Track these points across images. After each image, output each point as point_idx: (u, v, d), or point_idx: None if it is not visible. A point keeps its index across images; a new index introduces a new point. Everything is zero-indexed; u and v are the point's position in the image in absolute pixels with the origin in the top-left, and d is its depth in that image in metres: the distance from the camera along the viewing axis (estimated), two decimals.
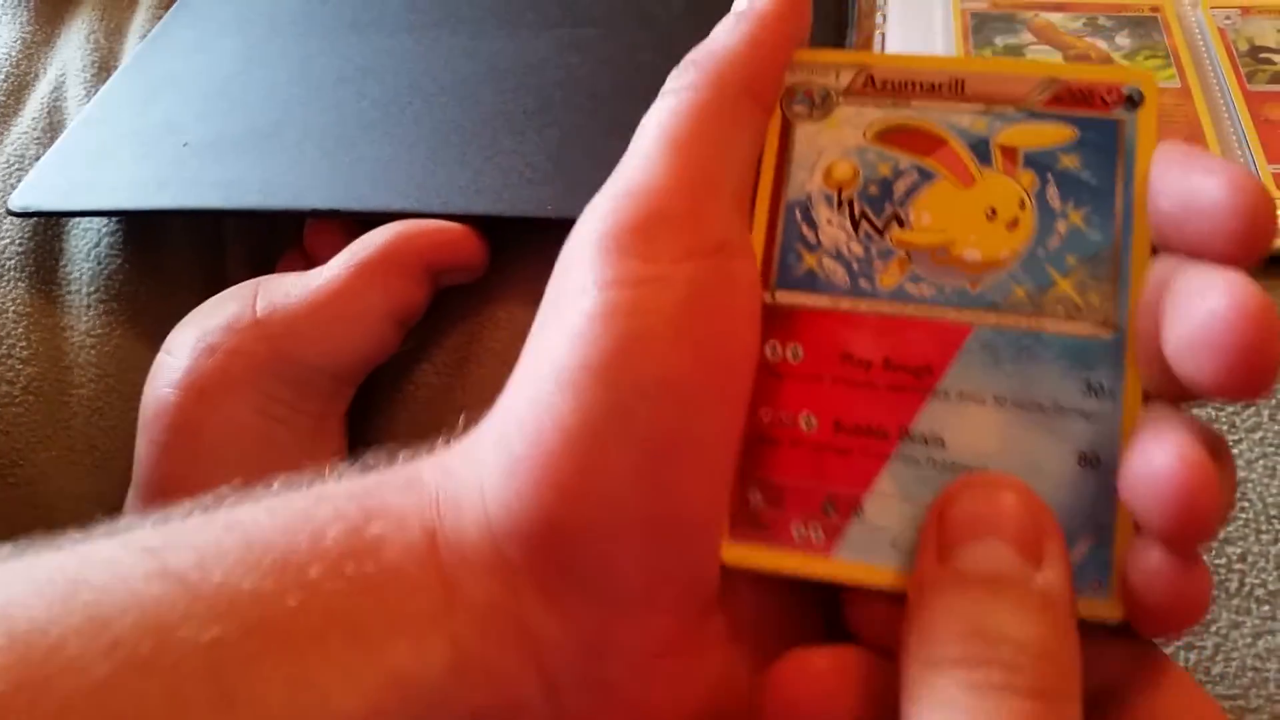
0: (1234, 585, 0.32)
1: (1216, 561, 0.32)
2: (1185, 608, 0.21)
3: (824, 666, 0.23)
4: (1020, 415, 0.23)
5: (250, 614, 0.20)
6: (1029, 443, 0.23)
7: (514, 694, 0.21)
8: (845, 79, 0.26)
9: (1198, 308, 0.20)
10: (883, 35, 0.48)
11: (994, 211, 0.24)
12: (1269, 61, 0.43)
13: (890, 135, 0.26)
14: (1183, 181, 0.22)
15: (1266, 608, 0.31)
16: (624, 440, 0.21)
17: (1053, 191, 0.24)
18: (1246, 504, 0.33)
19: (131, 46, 0.55)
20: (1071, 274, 0.24)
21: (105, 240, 0.48)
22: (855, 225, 0.25)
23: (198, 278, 0.47)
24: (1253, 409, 0.35)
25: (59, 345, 0.45)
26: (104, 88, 0.51)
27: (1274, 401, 0.35)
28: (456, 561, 0.22)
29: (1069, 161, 0.24)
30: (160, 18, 0.55)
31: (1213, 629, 0.31)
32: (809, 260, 0.25)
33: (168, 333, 0.41)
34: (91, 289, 0.47)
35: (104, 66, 0.54)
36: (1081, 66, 0.26)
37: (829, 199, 0.25)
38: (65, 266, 0.47)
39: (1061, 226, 0.24)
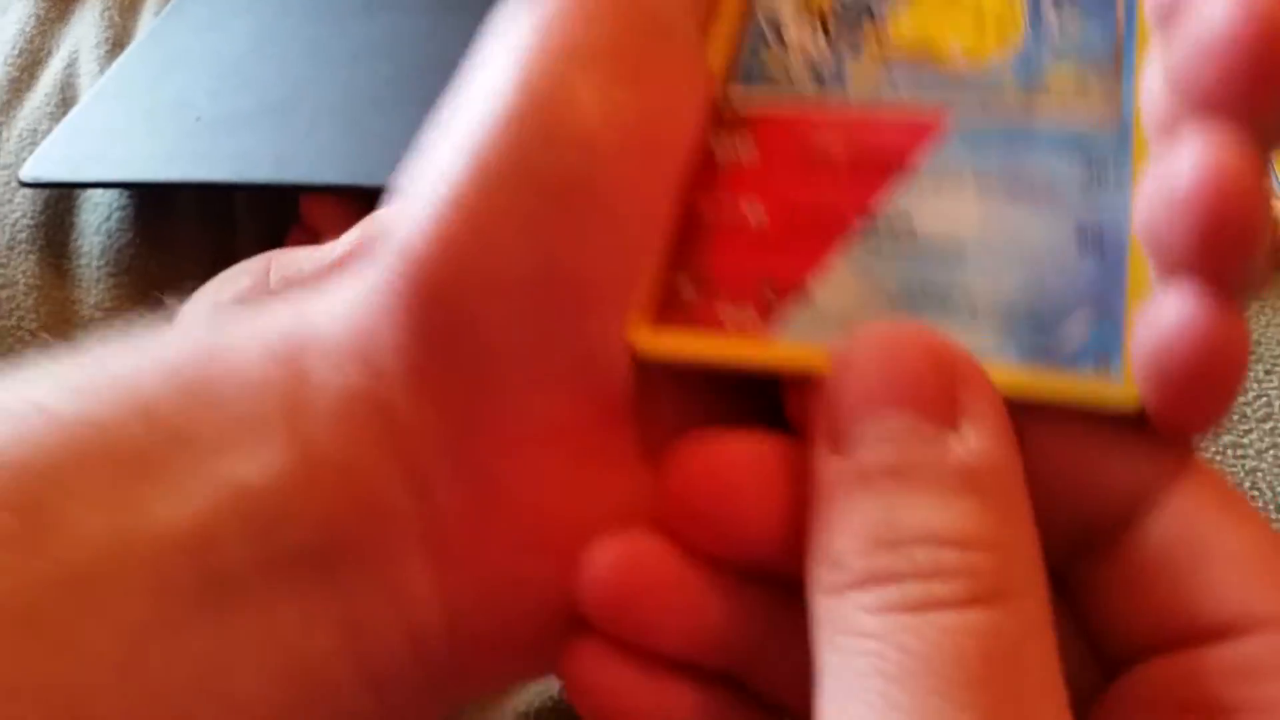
0: None
1: None
2: (1217, 372, 0.17)
3: (738, 455, 0.19)
4: (1007, 190, 0.20)
5: (77, 441, 0.17)
6: (1016, 217, 0.20)
7: (375, 493, 0.18)
8: None
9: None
10: None
11: (982, 15, 0.22)
12: None
13: None
14: None
15: None
16: (523, 188, 0.18)
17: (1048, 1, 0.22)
18: (1257, 493, 0.33)
19: (145, 24, 0.55)
20: (1069, 69, 0.21)
21: (116, 215, 0.48)
22: (826, 26, 0.23)
23: (208, 252, 0.47)
24: (1264, 399, 0.35)
25: (69, 318, 0.46)
26: (116, 63, 0.51)
27: None
28: (310, 346, 0.19)
29: None
30: None
31: None
32: (774, 60, 0.22)
33: (179, 305, 0.41)
34: (101, 262, 0.47)
35: (117, 43, 0.54)
36: None
37: (799, 22, 0.23)
38: (76, 240, 0.48)
39: (1056, 25, 0.22)
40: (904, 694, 0.15)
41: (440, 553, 0.18)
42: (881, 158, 0.21)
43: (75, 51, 0.54)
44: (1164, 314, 0.17)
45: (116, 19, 0.55)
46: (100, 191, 0.48)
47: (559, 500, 0.19)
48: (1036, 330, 0.18)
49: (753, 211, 0.21)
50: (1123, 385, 0.18)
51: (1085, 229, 0.19)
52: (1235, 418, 0.34)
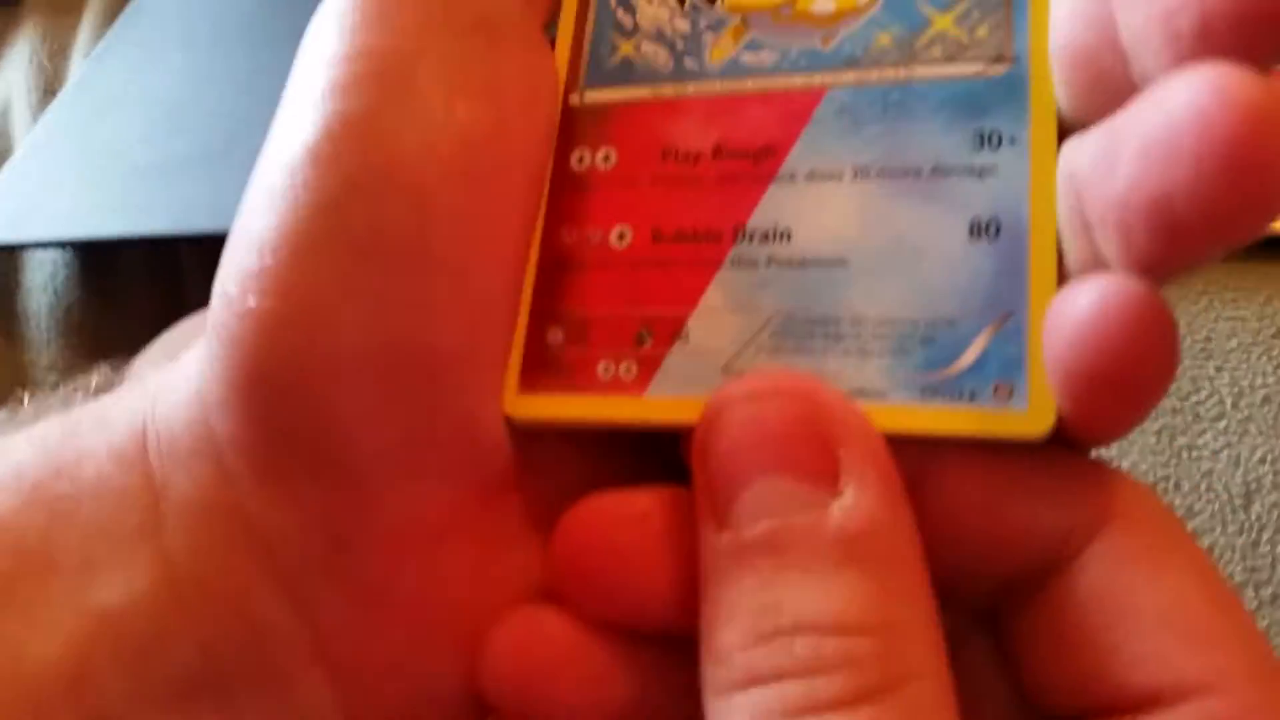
0: None
1: None
2: (1147, 363, 0.14)
3: (624, 515, 0.17)
4: (889, 185, 0.18)
5: None
6: (902, 218, 0.17)
7: (249, 612, 0.17)
8: None
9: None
10: None
11: None
12: None
13: None
14: None
15: None
16: (340, 245, 0.16)
17: None
18: (1212, 495, 0.33)
19: (76, 66, 0.54)
20: (950, 9, 0.18)
21: (62, 272, 0.47)
22: (682, 1, 0.20)
23: (156, 306, 0.46)
24: (1216, 397, 0.35)
25: (22, 381, 0.45)
26: (48, 111, 0.50)
27: (1237, 389, 0.35)
28: (167, 455, 0.17)
29: None
30: (104, 35, 0.54)
31: None
32: (625, 48, 0.20)
33: (128, 363, 0.40)
34: (50, 322, 0.46)
35: (49, 89, 0.53)
36: None
37: None
38: (24, 300, 0.47)
39: None
40: None
41: (334, 663, 0.17)
42: (751, 156, 0.19)
43: (7, 99, 0.54)
44: (1081, 302, 0.15)
45: (46, 64, 0.54)
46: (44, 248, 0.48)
47: (450, 590, 0.18)
48: (929, 355, 0.17)
49: (621, 239, 0.19)
50: (1027, 411, 0.16)
51: (979, 223, 0.17)
52: (1189, 419, 0.35)
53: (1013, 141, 0.17)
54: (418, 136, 0.17)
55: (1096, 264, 0.15)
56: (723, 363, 0.18)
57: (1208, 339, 0.36)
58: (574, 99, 0.20)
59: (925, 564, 0.15)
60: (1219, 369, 0.35)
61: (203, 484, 0.17)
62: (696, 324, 0.18)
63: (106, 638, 0.16)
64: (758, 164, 0.18)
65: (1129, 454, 0.34)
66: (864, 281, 0.17)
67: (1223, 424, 0.34)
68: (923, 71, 0.18)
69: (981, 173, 0.17)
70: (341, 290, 0.16)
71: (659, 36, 0.20)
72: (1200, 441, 0.34)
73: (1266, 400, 0.35)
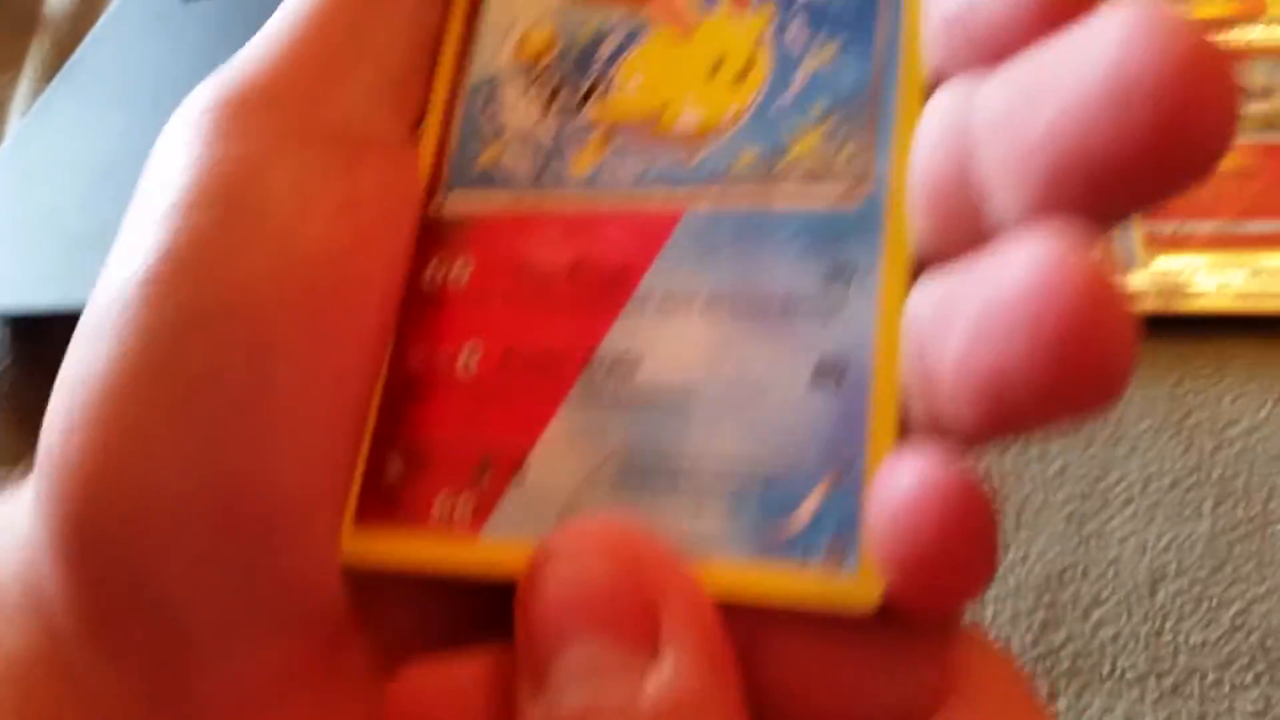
0: (1105, 669, 0.32)
1: (1089, 645, 0.33)
2: (967, 545, 0.14)
3: (451, 685, 0.16)
4: (740, 317, 0.17)
5: None
6: (750, 353, 0.17)
7: None
8: None
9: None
10: None
11: (719, 63, 0.19)
12: None
13: None
14: None
15: (1136, 691, 0.32)
16: (163, 385, 0.15)
17: (798, 24, 0.19)
18: (1119, 582, 0.34)
19: (14, 123, 0.54)
20: (816, 126, 0.18)
21: None
22: (549, 101, 0.20)
23: None
24: (1125, 482, 0.36)
25: None
26: None
27: (1146, 474, 0.36)
28: None
29: None
30: (41, 91, 0.54)
31: (1084, 715, 0.32)
32: (489, 153, 0.19)
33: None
34: None
35: None
36: None
37: (520, 74, 0.20)
38: None
39: (807, 66, 0.18)
40: None
41: None
42: (606, 278, 0.18)
43: None
44: (901, 481, 0.14)
45: None
46: None
47: None
48: (765, 508, 0.16)
49: (469, 361, 0.18)
50: (857, 578, 0.15)
51: (824, 366, 0.16)
52: (1097, 504, 0.35)
53: (864, 279, 0.17)
54: (263, 260, 0.16)
55: (936, 421, 0.15)
56: (561, 503, 0.17)
57: (1119, 421, 0.37)
58: (433, 208, 0.19)
59: None
60: (1129, 453, 0.36)
61: (30, 640, 0.16)
62: (537, 458, 0.17)
63: None
64: (612, 287, 0.18)
65: (1037, 540, 0.35)
66: (707, 421, 0.17)
67: (1130, 509, 0.35)
68: (782, 196, 0.18)
69: (830, 311, 0.17)
70: (168, 432, 0.15)
71: (524, 142, 0.19)
72: (1108, 528, 0.35)
73: (1174, 485, 0.35)
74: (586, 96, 0.19)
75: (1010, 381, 0.13)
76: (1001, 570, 0.34)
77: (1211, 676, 0.32)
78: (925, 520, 0.14)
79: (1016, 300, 0.13)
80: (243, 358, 0.16)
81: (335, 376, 0.17)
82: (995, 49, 0.15)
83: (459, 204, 0.19)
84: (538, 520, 0.17)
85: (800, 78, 0.18)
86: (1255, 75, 0.44)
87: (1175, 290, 0.39)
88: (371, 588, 0.17)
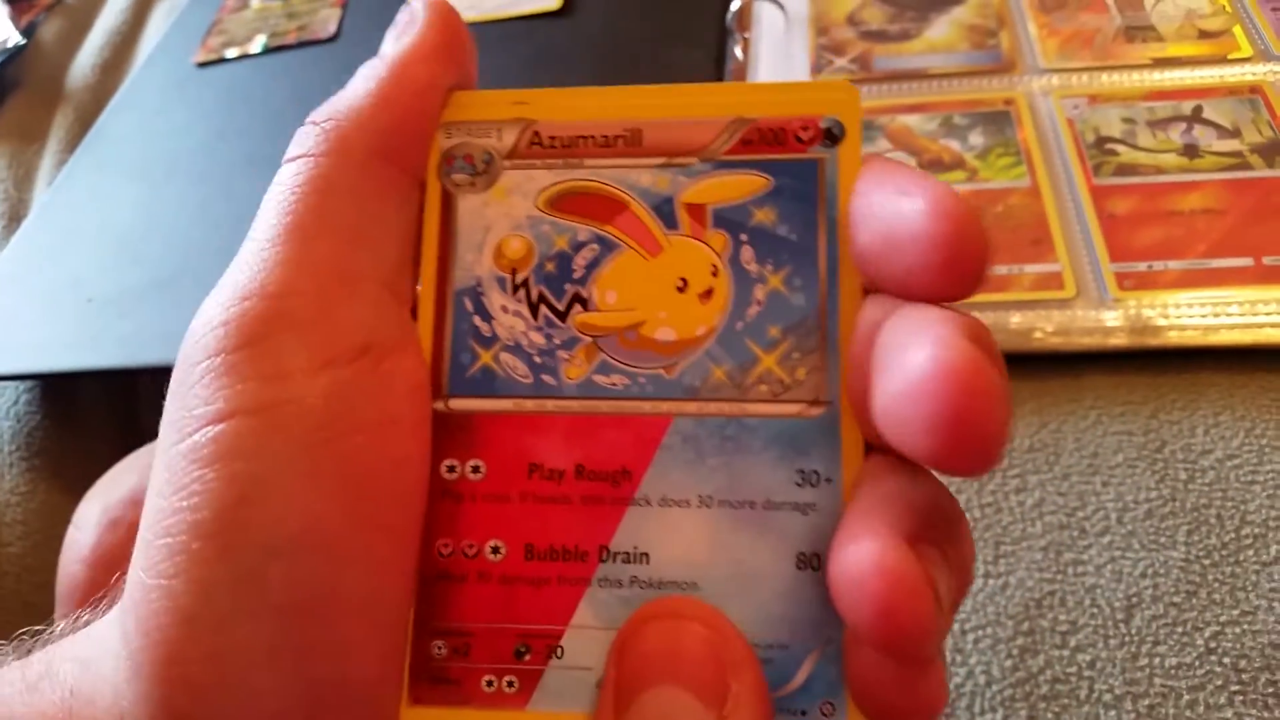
0: (1083, 692, 0.34)
1: (1067, 670, 0.34)
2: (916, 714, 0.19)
3: None
4: (729, 516, 0.20)
5: None
6: (741, 548, 0.20)
7: None
8: (509, 139, 0.23)
9: (898, 365, 0.17)
10: None
11: (685, 282, 0.22)
12: (1113, 152, 0.45)
13: (564, 201, 0.22)
14: (881, 209, 0.19)
15: (1114, 713, 0.33)
16: (255, 613, 0.17)
17: (748, 253, 0.22)
18: (1096, 609, 0.35)
19: (41, 192, 0.57)
20: (775, 347, 0.21)
21: (24, 398, 0.49)
22: (534, 311, 0.22)
23: (114, 431, 0.49)
24: (1101, 512, 0.37)
25: None
26: (10, 243, 0.52)
27: (1121, 504, 0.37)
28: None
29: (764, 216, 0.22)
30: (65, 160, 0.57)
31: None
32: (484, 357, 0.22)
33: (90, 486, 0.42)
34: (13, 447, 0.48)
35: (14, 216, 0.56)
36: (771, 93, 0.22)
37: (502, 282, 0.22)
38: None
39: (760, 293, 0.21)
40: None
41: None
42: (609, 479, 0.21)
43: None
44: (869, 669, 0.19)
45: (12, 191, 0.57)
46: None
47: None
48: (770, 676, 0.20)
49: (495, 554, 0.21)
50: None
51: (804, 555, 0.20)
52: (1075, 534, 0.37)
53: (829, 480, 0.20)
54: (315, 484, 0.18)
55: None
56: (596, 679, 0.20)
57: (1095, 454, 0.38)
58: (440, 405, 0.21)
59: None
60: (1105, 484, 0.37)
61: None
62: (570, 641, 0.20)
63: None
64: (616, 487, 0.21)
65: (1016, 569, 0.36)
66: (713, 605, 0.20)
67: (1107, 539, 0.36)
68: (753, 408, 0.21)
69: (805, 509, 0.20)
70: (263, 656, 0.18)
71: (516, 349, 0.22)
72: (1085, 556, 0.36)
73: (1150, 514, 0.37)
74: (569, 306, 0.22)
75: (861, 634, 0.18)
76: (981, 598, 0.36)
77: (1186, 698, 0.33)
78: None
79: (851, 586, 0.18)
80: (317, 576, 0.18)
81: (392, 576, 0.19)
82: (904, 287, 0.19)
83: (463, 404, 0.21)
84: (577, 694, 0.20)
85: (757, 300, 0.21)
86: (1223, 114, 0.46)
87: (1147, 326, 0.40)
88: None
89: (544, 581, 0.21)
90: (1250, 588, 0.35)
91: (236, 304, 0.19)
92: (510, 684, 0.20)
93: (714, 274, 0.21)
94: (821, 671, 0.20)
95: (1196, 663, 0.33)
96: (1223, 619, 0.34)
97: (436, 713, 0.20)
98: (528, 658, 0.20)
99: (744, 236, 0.22)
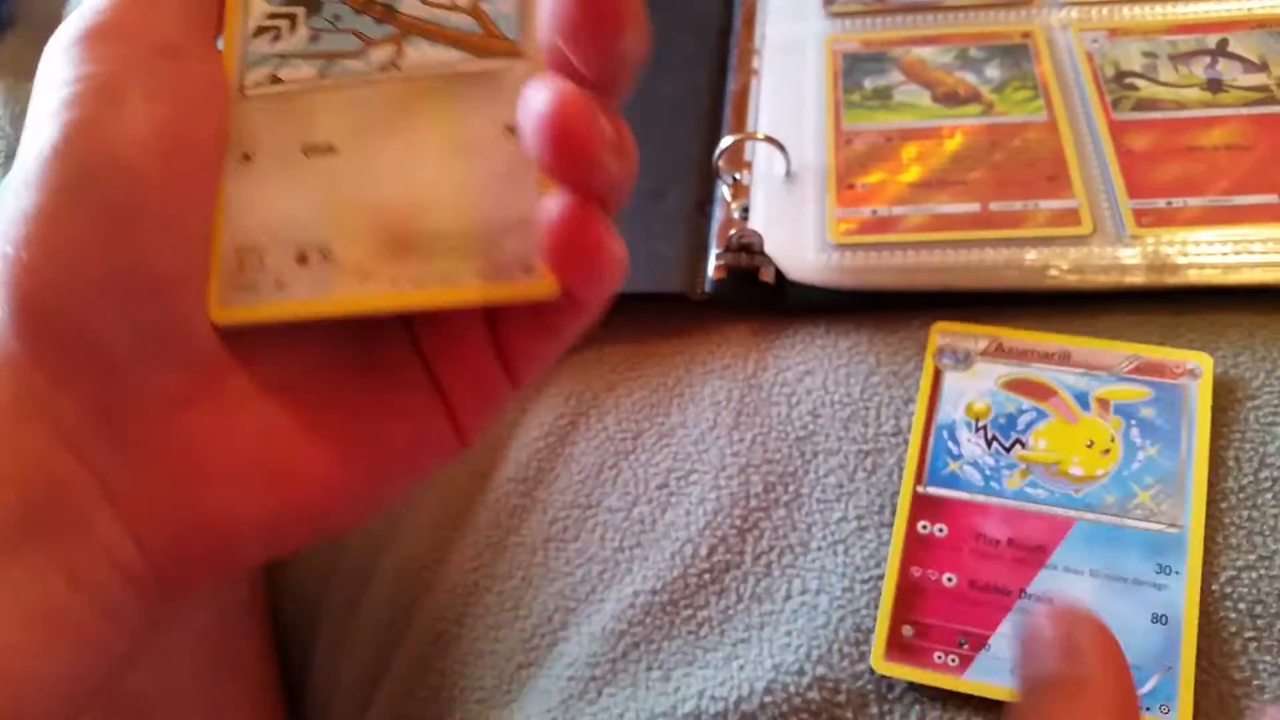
0: None
1: None
2: (589, 252, 0.23)
3: None
4: (1109, 584, 0.33)
5: None
6: (1115, 604, 0.33)
7: (50, 471, 0.24)
8: (981, 345, 0.38)
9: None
10: (758, 78, 0.48)
11: (1092, 442, 0.35)
12: (1133, 87, 0.44)
13: (1015, 384, 0.37)
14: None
15: None
16: (79, 212, 0.23)
17: (1135, 432, 0.36)
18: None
19: None
20: (1148, 489, 0.34)
21: None
22: (988, 443, 0.36)
23: None
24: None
25: None
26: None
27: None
28: None
29: (1146, 412, 0.36)
30: None
31: None
32: (952, 465, 0.36)
33: None
34: None
35: (11, 154, 0.55)
36: (1158, 349, 0.37)
37: (969, 425, 0.37)
38: None
39: (1141, 456, 0.35)
40: None
41: (119, 502, 0.24)
42: (1030, 550, 0.34)
43: None
44: (553, 208, 0.23)
45: (9, 129, 0.56)
46: None
47: (202, 444, 0.25)
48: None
49: (950, 580, 0.34)
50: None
51: (1156, 615, 0.32)
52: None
53: (1177, 573, 0.33)
54: (130, 131, 0.24)
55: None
56: (1009, 668, 0.31)
57: None
58: (919, 488, 0.36)
59: None
60: None
61: (9, 385, 0.24)
62: (995, 641, 0.33)
63: None
64: (1033, 554, 0.34)
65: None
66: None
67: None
68: (1131, 523, 0.34)
69: (1160, 587, 0.33)
70: (83, 242, 0.23)
71: (974, 463, 0.36)
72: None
73: None
74: (1012, 445, 0.36)
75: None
76: None
77: (1200, 644, 0.32)
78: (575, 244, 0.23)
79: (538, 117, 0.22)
80: (123, 192, 0.24)
81: (186, 198, 0.25)
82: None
83: (935, 491, 0.36)
84: (996, 674, 0.32)
85: (1139, 460, 0.35)
86: (1249, 47, 0.44)
87: (1166, 264, 0.39)
88: (244, 338, 0.25)
89: (981, 604, 0.33)
90: (1268, 532, 0.34)
91: (80, 14, 0.26)
92: (953, 660, 0.33)
93: (1111, 441, 0.36)
94: (1161, 689, 0.31)
95: (1212, 608, 0.33)
96: (1239, 563, 0.33)
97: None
98: (965, 646, 0.33)
99: (1133, 422, 0.36)
